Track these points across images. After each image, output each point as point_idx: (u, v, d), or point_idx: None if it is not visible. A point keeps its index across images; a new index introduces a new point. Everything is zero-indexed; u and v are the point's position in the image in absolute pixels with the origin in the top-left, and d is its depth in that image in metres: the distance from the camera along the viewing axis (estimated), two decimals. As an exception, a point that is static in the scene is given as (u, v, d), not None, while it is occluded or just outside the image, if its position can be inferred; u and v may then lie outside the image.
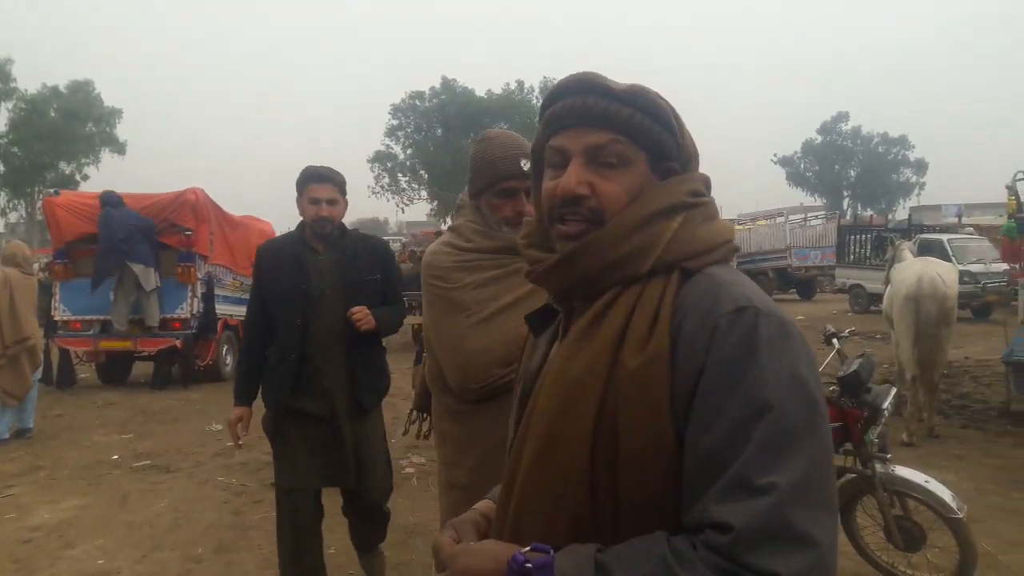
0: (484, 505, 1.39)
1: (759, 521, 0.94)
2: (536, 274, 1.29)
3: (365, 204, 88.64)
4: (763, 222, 29.43)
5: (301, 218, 3.57)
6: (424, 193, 45.13)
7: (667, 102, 1.28)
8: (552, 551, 1.07)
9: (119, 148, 47.06)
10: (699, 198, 1.26)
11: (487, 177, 2.36)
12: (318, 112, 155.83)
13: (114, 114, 47.09)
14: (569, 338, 1.21)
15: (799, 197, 60.93)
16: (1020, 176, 8.79)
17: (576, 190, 1.21)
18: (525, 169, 2.20)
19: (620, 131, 1.22)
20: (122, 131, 47.51)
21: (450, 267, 2.38)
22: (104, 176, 46.34)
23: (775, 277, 25.37)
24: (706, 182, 1.31)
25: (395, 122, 45.34)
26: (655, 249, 1.19)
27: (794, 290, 26.08)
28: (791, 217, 28.32)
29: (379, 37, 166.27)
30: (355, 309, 3.41)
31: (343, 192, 3.61)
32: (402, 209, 47.17)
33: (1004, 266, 14.55)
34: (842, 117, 65.54)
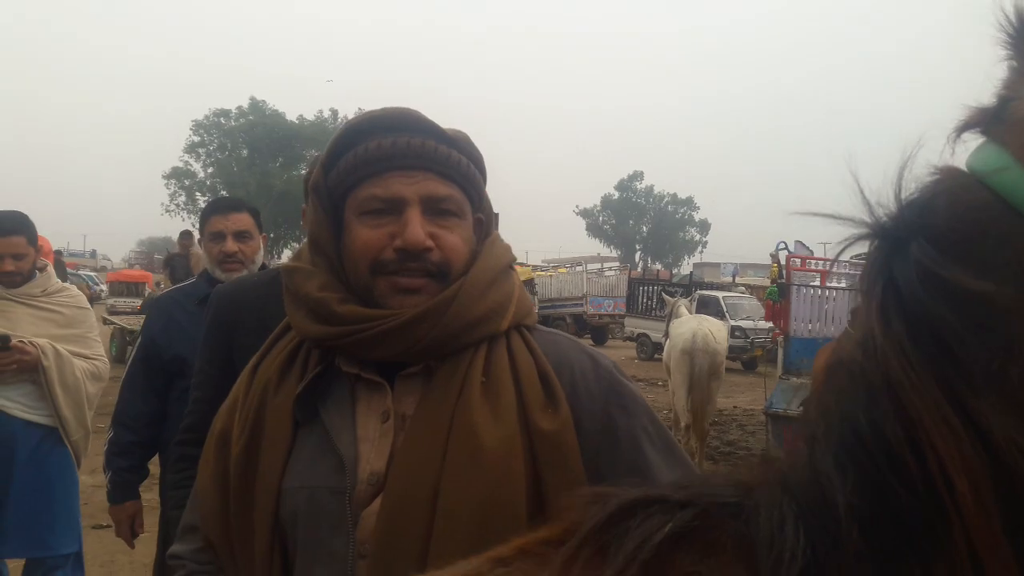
0: None
1: None
2: (374, 333, 1.08)
3: (157, 222, 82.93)
4: (564, 270, 30.74)
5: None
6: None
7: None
8: None
9: None
10: (515, 258, 1.26)
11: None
12: (109, 120, 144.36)
13: None
14: (432, 408, 1.09)
15: (597, 248, 64.59)
16: (782, 246, 9.80)
17: (426, 243, 1.09)
18: None
19: (455, 179, 1.14)
20: None
21: None
22: None
23: (572, 322, 26.47)
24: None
25: (196, 138, 42.96)
26: (510, 306, 1.17)
27: (589, 335, 27.36)
28: (588, 266, 29.80)
29: (185, 48, 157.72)
30: None
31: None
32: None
33: (770, 324, 16.15)
34: (637, 176, 70.61)
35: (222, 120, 43.03)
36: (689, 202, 70.45)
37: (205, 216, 2.84)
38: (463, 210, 1.16)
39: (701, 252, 70.40)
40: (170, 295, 3.02)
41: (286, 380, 1.16)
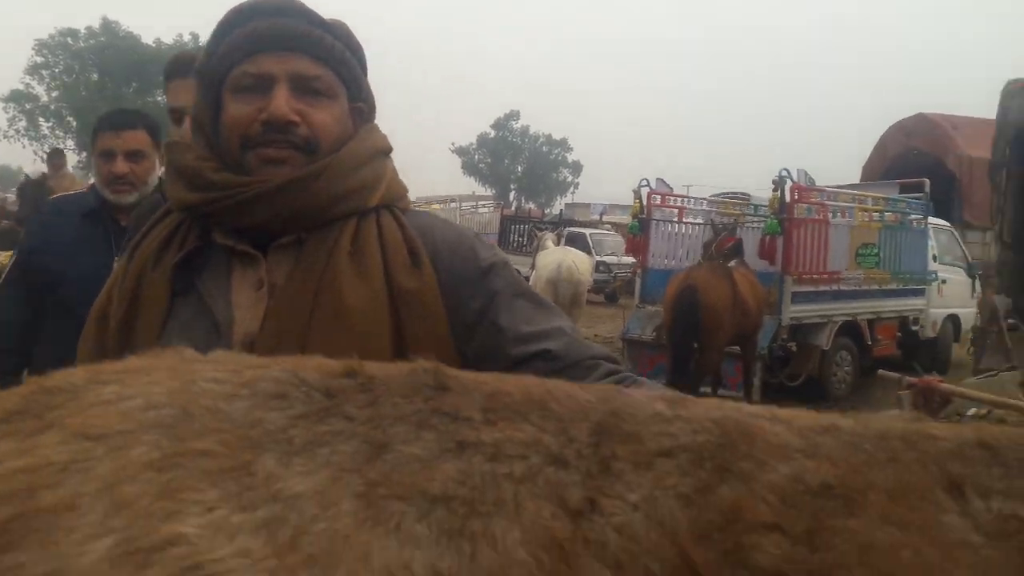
0: None
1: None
2: (245, 198, 1.15)
3: (-6, 149, 75.66)
4: (437, 206, 30.65)
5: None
6: (71, 143, 39.86)
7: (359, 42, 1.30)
8: None
9: None
10: (391, 148, 1.36)
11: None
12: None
13: None
14: (303, 277, 1.18)
15: (472, 187, 64.53)
16: (644, 183, 10.28)
17: (289, 116, 1.17)
18: None
19: (328, 62, 1.21)
20: None
21: None
22: None
23: (445, 259, 26.68)
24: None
25: (40, 59, 39.39)
26: (380, 186, 1.25)
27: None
28: (463, 204, 29.92)
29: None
30: None
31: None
32: (41, 158, 41.09)
33: (631, 258, 16.97)
34: (514, 115, 70.62)
35: (69, 40, 39.56)
36: (563, 143, 71.32)
37: (96, 131, 2.64)
38: (334, 91, 1.24)
39: (573, 193, 71.57)
40: (55, 204, 2.92)
41: (164, 255, 1.22)
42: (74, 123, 39.28)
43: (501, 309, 1.23)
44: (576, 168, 71.78)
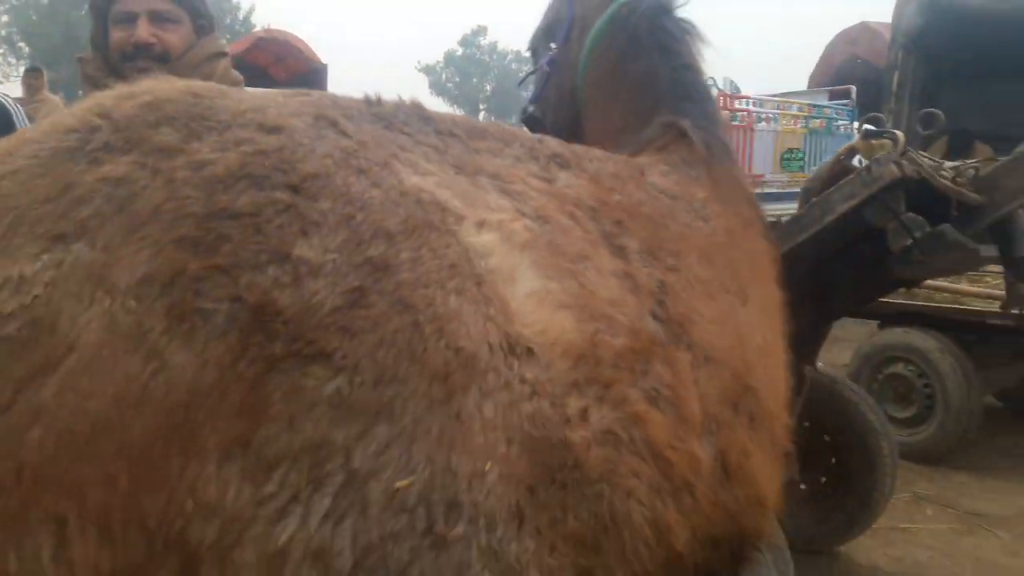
0: None
1: None
2: None
3: (-54, 78, 72.97)
4: (401, 126, 30.60)
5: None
6: (23, 70, 38.74)
7: None
8: None
9: None
10: (227, 51, 2.02)
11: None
12: None
13: None
14: None
15: (440, 106, 63.65)
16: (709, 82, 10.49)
17: (148, 39, 1.83)
18: None
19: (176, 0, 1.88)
20: None
21: None
22: None
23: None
24: (226, 42, 2.02)
25: (-16, -17, 38.00)
26: (213, 79, 1.75)
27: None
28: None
29: None
30: None
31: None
32: (-1, 84, 40.18)
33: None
34: (481, 31, 69.21)
35: (16, -39, 38.14)
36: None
37: None
38: (179, 18, 1.90)
39: (544, 111, 70.91)
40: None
41: None
42: (25, 49, 38.18)
43: None
44: (546, 85, 70.78)
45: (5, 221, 0.84)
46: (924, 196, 2.52)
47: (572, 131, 1.98)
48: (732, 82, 9.92)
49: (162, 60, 1.82)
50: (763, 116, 9.89)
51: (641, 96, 1.86)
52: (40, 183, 0.86)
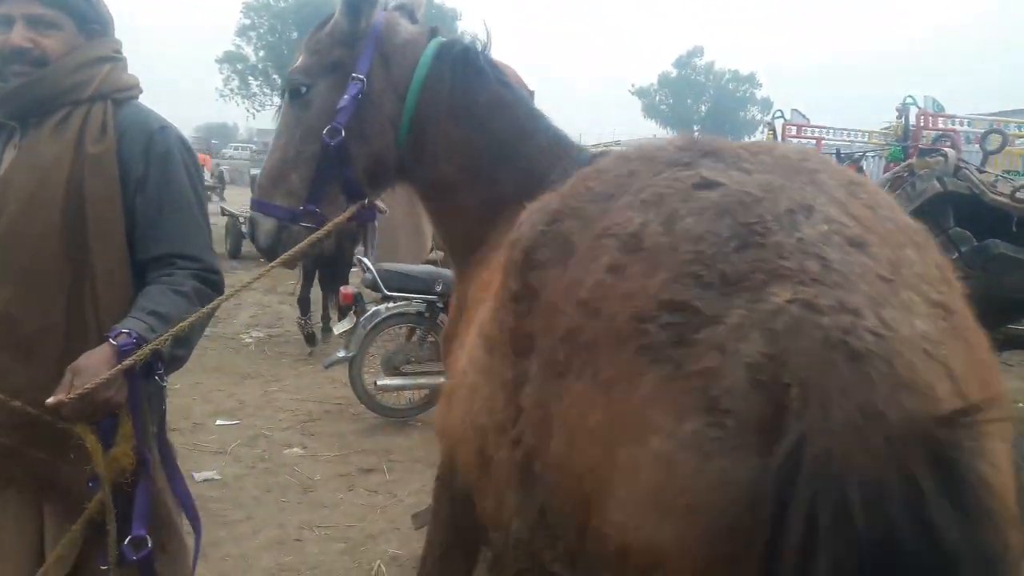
0: None
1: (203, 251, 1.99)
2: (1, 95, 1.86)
3: (212, 108, 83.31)
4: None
5: None
6: (277, 99, 42.74)
7: None
8: (120, 331, 1.70)
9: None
10: (119, 55, 2.00)
11: None
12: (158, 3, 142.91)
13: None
14: (34, 140, 1.85)
15: (653, 130, 63.00)
16: (778, 114, 9.72)
17: (22, 44, 1.82)
18: None
19: (53, 5, 1.84)
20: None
21: None
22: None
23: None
24: (119, 46, 2.01)
25: (247, 21, 42.61)
26: (93, 84, 1.88)
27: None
28: (641, 145, 29.42)
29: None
30: None
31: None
32: (253, 115, 44.82)
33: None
34: (697, 52, 67.70)
35: (271, 1, 42.47)
36: (751, 79, 67.49)
37: None
38: (60, 24, 1.86)
39: (763, 132, 67.93)
40: None
41: None
42: (278, 80, 42.11)
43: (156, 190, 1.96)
44: (766, 105, 67.68)
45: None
46: (985, 213, 2.64)
47: (388, 157, 2.06)
48: (935, 100, 8.97)
49: (40, 64, 1.83)
50: (972, 136, 8.89)
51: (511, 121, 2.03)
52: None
